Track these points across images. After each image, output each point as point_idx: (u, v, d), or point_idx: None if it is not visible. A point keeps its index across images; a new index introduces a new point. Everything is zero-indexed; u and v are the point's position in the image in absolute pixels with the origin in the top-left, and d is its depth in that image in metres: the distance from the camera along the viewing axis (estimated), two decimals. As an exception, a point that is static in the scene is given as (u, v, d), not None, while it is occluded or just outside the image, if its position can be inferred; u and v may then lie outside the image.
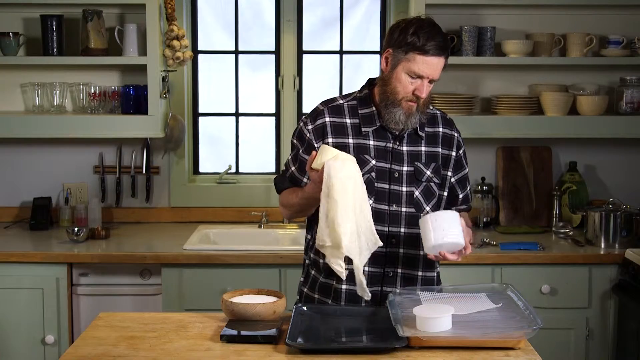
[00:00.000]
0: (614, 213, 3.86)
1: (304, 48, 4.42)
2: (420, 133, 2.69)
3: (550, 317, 3.53)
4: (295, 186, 2.75)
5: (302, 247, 2.92)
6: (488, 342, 2.32)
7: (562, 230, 4.06)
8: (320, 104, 2.75)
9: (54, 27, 4.02)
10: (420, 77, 2.56)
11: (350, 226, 2.42)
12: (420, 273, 2.71)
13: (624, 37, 4.16)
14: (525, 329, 2.34)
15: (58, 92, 4.15)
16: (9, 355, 3.72)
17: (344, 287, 2.68)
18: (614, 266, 3.77)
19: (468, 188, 2.82)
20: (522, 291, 2.66)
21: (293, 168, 2.75)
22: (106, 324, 2.57)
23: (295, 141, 2.75)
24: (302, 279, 2.85)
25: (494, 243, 3.86)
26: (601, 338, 3.79)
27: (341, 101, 2.72)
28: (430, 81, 2.58)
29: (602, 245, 3.86)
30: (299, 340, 2.35)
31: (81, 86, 4.16)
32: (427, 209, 2.68)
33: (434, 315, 2.32)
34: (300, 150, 2.72)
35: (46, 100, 4.16)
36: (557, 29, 4.21)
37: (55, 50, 4.04)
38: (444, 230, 2.47)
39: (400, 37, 2.57)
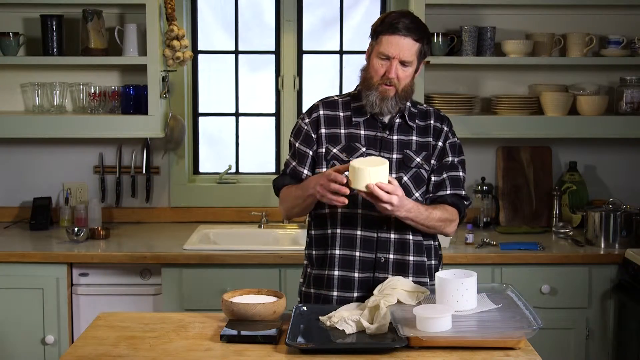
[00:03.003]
0: (614, 213, 3.86)
1: (304, 48, 4.42)
2: (410, 123, 2.77)
3: (550, 317, 3.52)
4: (296, 181, 2.79)
5: (302, 247, 2.93)
6: (488, 342, 2.32)
7: (562, 230, 4.06)
8: (317, 101, 2.87)
9: (54, 27, 4.02)
10: (387, 57, 2.66)
11: None
12: (411, 258, 2.74)
13: (624, 37, 4.16)
14: (525, 329, 2.34)
15: (58, 92, 4.15)
16: (9, 355, 3.72)
17: (336, 273, 2.72)
18: (614, 266, 3.77)
19: (445, 175, 2.77)
20: (522, 291, 2.66)
21: (294, 163, 2.80)
22: (106, 324, 2.57)
23: (292, 140, 2.83)
24: (301, 280, 2.88)
25: (494, 243, 3.86)
26: (601, 338, 3.79)
27: (336, 98, 2.86)
28: (403, 63, 2.66)
29: (602, 245, 3.86)
30: (299, 340, 2.35)
31: (81, 86, 4.16)
32: (416, 195, 2.73)
33: (434, 315, 2.32)
34: (297, 143, 2.79)
35: (46, 100, 4.16)
36: (557, 29, 4.21)
37: (55, 50, 4.04)
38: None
39: (373, 27, 2.73)
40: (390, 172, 2.69)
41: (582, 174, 4.33)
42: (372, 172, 2.49)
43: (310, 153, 2.78)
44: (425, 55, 2.74)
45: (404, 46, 2.65)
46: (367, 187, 2.50)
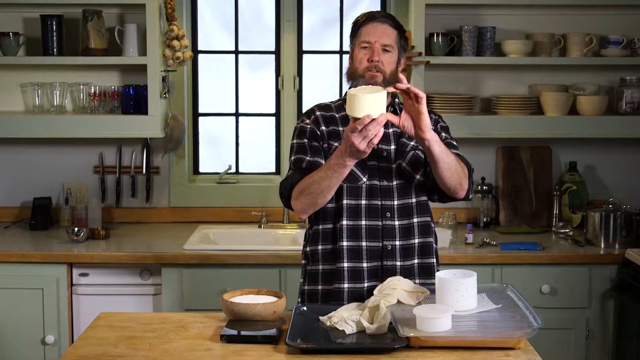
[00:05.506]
0: (614, 213, 3.86)
1: (304, 48, 4.42)
2: None
3: (550, 317, 3.52)
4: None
5: (302, 248, 2.92)
6: (488, 342, 2.32)
7: (562, 230, 4.06)
8: (311, 106, 2.91)
9: (54, 27, 4.02)
10: (368, 43, 2.74)
11: None
12: (416, 241, 2.77)
13: (624, 37, 4.16)
14: (525, 329, 2.34)
15: (58, 92, 4.15)
16: (9, 355, 3.72)
17: (345, 265, 2.73)
18: (614, 266, 3.77)
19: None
20: (522, 291, 2.66)
21: (308, 157, 2.75)
22: (106, 324, 2.57)
23: (297, 140, 2.82)
24: (301, 280, 2.88)
25: (494, 243, 3.86)
26: (601, 338, 3.79)
27: (329, 103, 2.90)
28: (385, 49, 2.73)
29: (602, 245, 3.86)
30: (299, 340, 2.35)
31: (81, 86, 4.16)
32: (417, 177, 2.75)
33: (434, 315, 2.32)
34: (306, 139, 2.79)
35: (46, 100, 4.16)
36: (557, 29, 4.21)
37: (55, 50, 4.04)
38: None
39: (351, 29, 2.83)
40: (389, 161, 2.74)
41: (582, 174, 4.33)
42: (369, 99, 2.40)
43: (321, 147, 2.77)
44: (405, 49, 2.81)
45: (383, 31, 2.74)
46: (408, 89, 2.47)
